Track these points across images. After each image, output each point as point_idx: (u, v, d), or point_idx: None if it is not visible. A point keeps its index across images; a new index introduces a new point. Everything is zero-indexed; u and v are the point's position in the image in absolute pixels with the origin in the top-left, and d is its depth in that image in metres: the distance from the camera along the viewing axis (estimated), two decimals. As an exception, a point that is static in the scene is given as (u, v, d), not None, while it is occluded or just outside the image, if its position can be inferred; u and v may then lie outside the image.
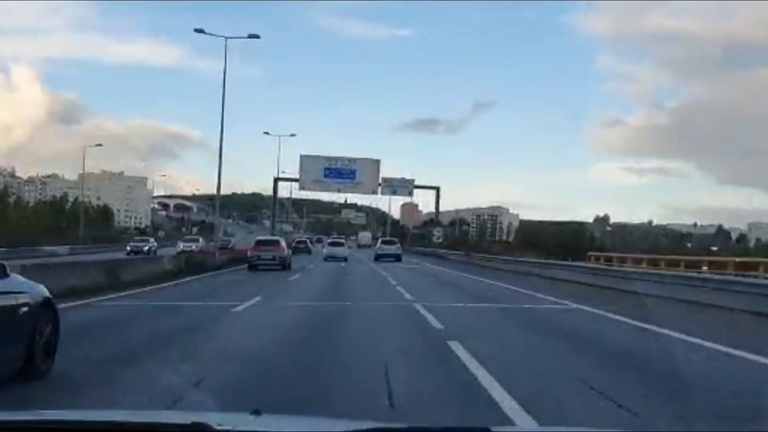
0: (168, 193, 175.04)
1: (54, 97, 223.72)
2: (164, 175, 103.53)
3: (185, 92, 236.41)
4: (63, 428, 1.85)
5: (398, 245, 45.90)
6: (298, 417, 2.56)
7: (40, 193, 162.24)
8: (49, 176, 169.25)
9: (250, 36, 32.96)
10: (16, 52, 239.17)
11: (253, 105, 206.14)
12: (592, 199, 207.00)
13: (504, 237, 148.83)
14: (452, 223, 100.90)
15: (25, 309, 5.33)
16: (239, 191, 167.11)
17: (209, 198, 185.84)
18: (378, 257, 42.28)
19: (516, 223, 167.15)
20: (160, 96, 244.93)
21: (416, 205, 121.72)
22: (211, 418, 1.87)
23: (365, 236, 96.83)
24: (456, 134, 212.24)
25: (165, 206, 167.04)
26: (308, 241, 57.73)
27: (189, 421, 1.84)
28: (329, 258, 41.85)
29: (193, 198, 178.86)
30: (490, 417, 4.58)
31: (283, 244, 31.60)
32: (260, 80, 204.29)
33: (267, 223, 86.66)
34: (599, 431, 4.10)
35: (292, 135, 64.17)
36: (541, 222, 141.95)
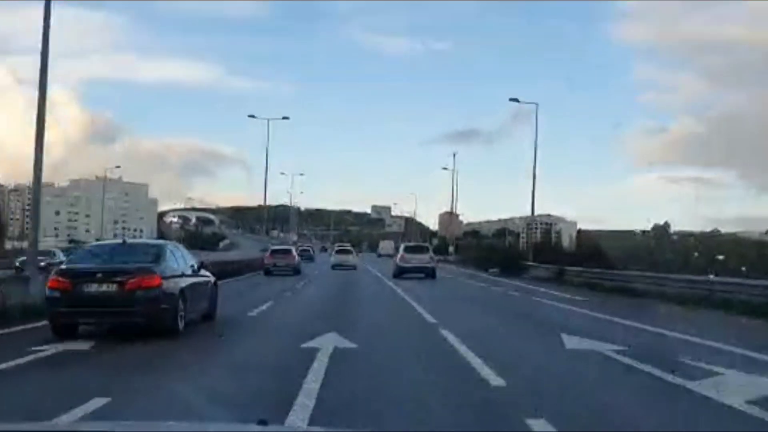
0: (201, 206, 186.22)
1: (91, 116, 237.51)
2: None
3: (219, 110, 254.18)
4: None
5: (431, 254, 33.25)
6: (302, 428, 2.82)
7: (28, 202, 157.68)
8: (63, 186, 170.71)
9: (284, 117, 49.45)
10: (54, 72, 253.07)
11: (286, 119, 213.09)
12: (629, 209, 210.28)
13: (562, 247, 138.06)
14: (499, 234, 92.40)
15: (209, 285, 12.54)
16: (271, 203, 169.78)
17: (235, 210, 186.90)
18: (400, 272, 31.03)
19: (573, 233, 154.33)
20: (195, 114, 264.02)
21: (457, 215, 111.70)
22: (218, 428, 2.01)
23: (387, 245, 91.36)
24: (494, 144, 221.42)
25: (186, 219, 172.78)
26: (311, 250, 66.84)
27: (197, 431, 1.94)
28: (337, 266, 42.04)
29: (217, 211, 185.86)
30: None
31: (295, 252, 38.65)
32: (294, 96, 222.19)
33: (274, 233, 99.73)
34: None
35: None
36: (600, 231, 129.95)
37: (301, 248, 55.92)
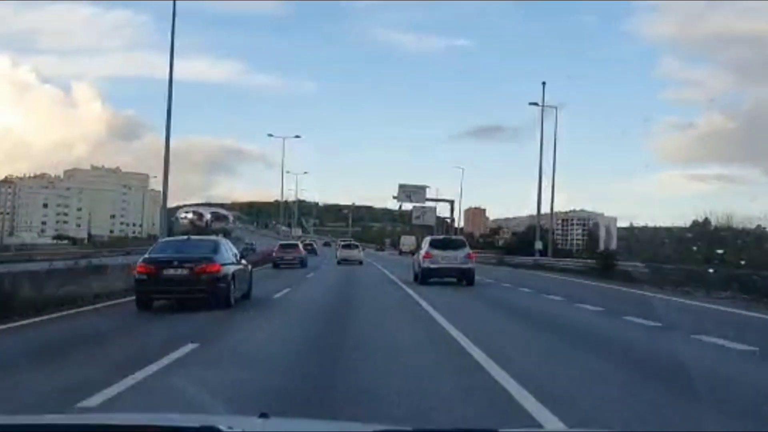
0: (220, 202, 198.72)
1: (114, 113, 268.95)
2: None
3: (241, 107, 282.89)
4: (72, 431, 2.15)
5: (467, 251, 25.98)
6: (304, 420, 3.09)
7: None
8: (35, 176, 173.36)
9: (296, 136, 59.55)
10: (78, 70, 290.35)
11: (309, 118, 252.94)
12: (652, 206, 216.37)
13: (601, 245, 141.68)
14: (529, 230, 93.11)
15: (247, 271, 18.11)
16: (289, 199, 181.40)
17: (249, 206, 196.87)
18: (426, 276, 25.18)
19: (614, 229, 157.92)
20: (218, 111, 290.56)
21: (483, 210, 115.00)
22: (220, 421, 2.12)
23: (409, 241, 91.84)
24: (517, 141, 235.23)
25: (200, 215, 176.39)
26: (313, 244, 74.32)
27: (198, 424, 2.12)
28: (343, 261, 47.39)
29: (232, 206, 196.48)
30: None
31: (301, 247, 45.82)
32: (316, 93, 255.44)
33: (281, 228, 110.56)
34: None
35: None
36: (644, 227, 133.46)
37: (304, 243, 62.01)
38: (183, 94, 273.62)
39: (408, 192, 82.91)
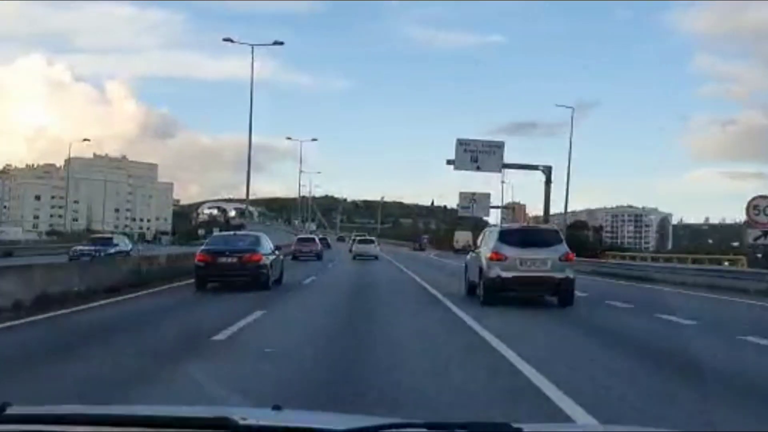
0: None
1: (147, 111, 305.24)
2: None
3: (272, 104, 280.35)
4: (88, 422, 2.39)
5: (564, 250, 18.67)
6: (317, 412, 3.45)
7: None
8: (37, 166, 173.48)
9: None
10: (113, 69, 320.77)
11: (341, 115, 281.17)
12: (687, 204, 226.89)
13: (652, 242, 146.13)
14: (576, 226, 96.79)
15: (280, 259, 24.82)
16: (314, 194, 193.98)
17: (273, 202, 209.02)
18: (493, 289, 18.24)
19: (669, 226, 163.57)
20: (248, 109, 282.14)
21: (523, 206, 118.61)
22: (234, 413, 2.34)
23: (464, 236, 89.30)
24: (554, 137, 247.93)
25: (223, 210, 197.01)
26: (327, 239, 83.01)
27: (212, 415, 2.37)
28: (358, 256, 53.03)
29: (257, 202, 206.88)
30: None
31: (318, 240, 54.83)
32: (349, 90, 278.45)
33: (296, 223, 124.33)
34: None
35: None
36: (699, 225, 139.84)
37: (319, 237, 69.74)
38: (215, 92, 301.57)
39: (469, 199, 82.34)
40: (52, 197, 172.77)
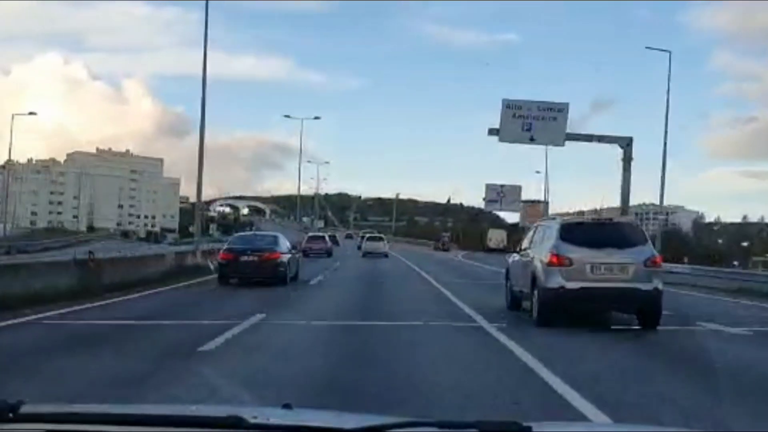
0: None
1: (163, 110, 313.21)
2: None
3: (288, 104, 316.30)
4: (97, 421, 2.50)
5: (650, 253, 15.19)
6: (327, 411, 3.34)
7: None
8: (39, 161, 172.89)
9: (315, 117, 67.15)
10: (129, 67, 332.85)
11: (355, 113, 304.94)
12: (703, 203, 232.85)
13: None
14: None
15: (296, 258, 27.82)
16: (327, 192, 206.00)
17: (287, 199, 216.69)
18: (554, 303, 14.72)
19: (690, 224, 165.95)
20: (265, 108, 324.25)
21: (542, 203, 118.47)
22: (244, 412, 2.44)
23: (498, 235, 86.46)
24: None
25: (235, 208, 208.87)
26: (336, 236, 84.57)
27: (224, 414, 2.46)
28: (367, 254, 55.40)
29: (270, 200, 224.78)
30: None
31: (327, 238, 59.28)
32: (365, 89, 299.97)
33: (303, 220, 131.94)
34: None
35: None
36: (716, 224, 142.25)
37: (328, 235, 74.10)
38: (230, 90, 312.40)
39: (497, 191, 74.83)
40: (51, 192, 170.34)
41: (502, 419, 2.37)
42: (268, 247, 24.76)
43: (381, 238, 64.03)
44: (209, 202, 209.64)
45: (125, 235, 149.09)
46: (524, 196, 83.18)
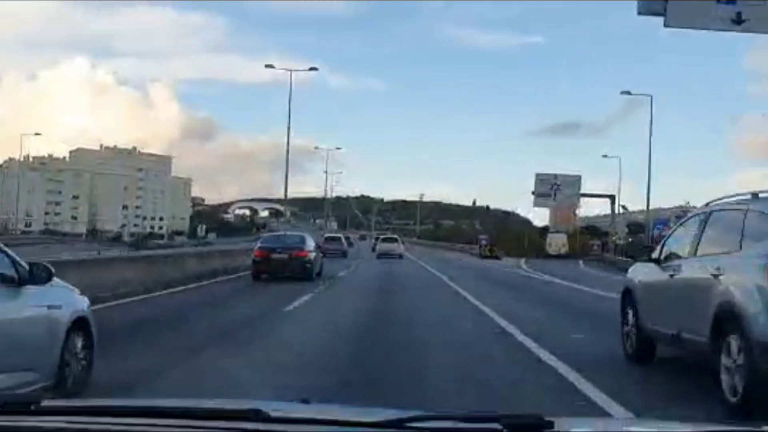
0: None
1: (189, 114, 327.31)
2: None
3: (313, 106, 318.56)
4: (120, 414, 2.67)
5: None
6: (345, 405, 3.49)
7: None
8: (42, 157, 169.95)
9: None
10: (155, 72, 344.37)
11: (379, 116, 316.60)
12: None
13: None
14: (633, 229, 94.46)
15: (320, 256, 32.38)
16: (350, 195, 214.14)
17: (308, 202, 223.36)
18: (758, 373, 7.47)
19: None
20: (289, 111, 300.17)
21: (573, 207, 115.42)
22: (262, 406, 2.63)
23: (558, 239, 78.09)
24: (599, 138, 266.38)
25: (254, 210, 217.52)
26: (350, 238, 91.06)
27: (245, 407, 2.63)
28: (382, 255, 59.45)
29: (290, 202, 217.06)
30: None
31: (343, 240, 66.51)
32: (389, 91, 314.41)
33: (317, 222, 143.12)
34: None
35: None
36: None
37: (344, 236, 79.97)
38: (254, 94, 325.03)
39: (550, 183, 66.32)
40: (48, 191, 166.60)
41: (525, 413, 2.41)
42: (296, 246, 29.35)
43: (395, 240, 67.99)
44: (228, 204, 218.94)
45: (92, 234, 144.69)
46: (584, 189, 74.43)
